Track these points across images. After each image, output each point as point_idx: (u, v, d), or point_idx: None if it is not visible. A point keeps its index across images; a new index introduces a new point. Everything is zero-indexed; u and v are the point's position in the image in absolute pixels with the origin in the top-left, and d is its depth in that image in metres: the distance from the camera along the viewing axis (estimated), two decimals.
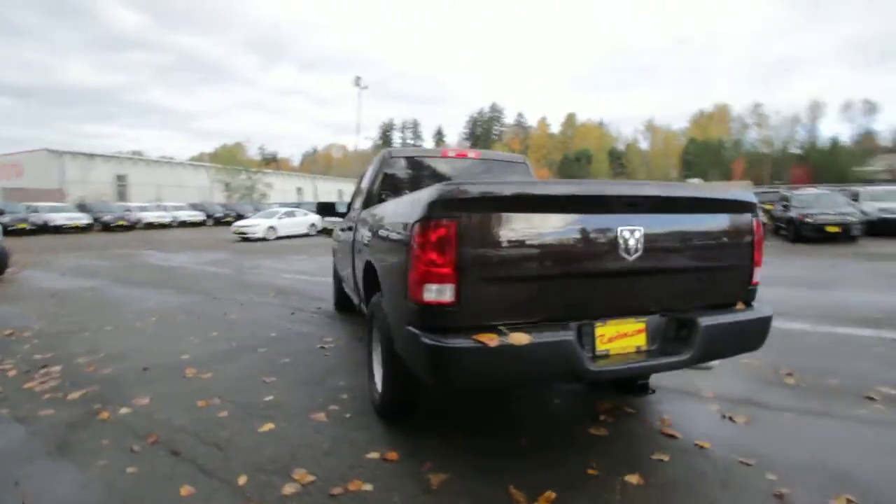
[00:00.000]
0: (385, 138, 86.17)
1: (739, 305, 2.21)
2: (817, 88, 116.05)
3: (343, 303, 5.58)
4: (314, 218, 21.18)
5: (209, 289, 7.37)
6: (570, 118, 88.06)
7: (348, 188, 53.93)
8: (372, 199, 3.62)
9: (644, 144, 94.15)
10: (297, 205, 26.13)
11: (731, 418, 2.56)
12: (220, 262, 11.38)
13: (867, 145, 76.31)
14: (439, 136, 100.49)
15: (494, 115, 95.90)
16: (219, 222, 28.07)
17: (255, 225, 18.27)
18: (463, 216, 1.72)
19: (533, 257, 1.81)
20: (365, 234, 2.94)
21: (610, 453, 2.24)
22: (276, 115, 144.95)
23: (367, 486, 1.99)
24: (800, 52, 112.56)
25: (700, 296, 2.11)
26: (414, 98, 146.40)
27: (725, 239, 2.14)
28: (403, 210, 2.03)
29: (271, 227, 18.61)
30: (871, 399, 2.79)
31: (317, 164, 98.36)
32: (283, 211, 20.36)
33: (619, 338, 1.96)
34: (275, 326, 4.88)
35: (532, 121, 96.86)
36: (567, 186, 1.90)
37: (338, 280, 5.47)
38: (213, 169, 38.57)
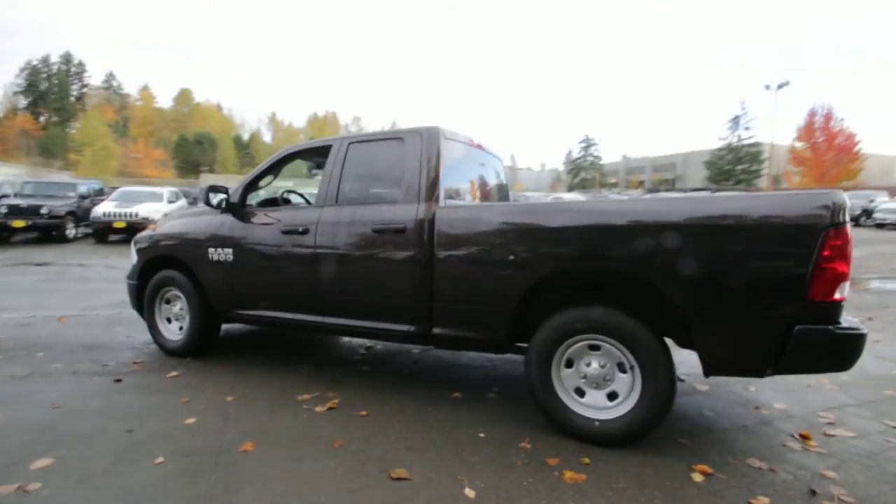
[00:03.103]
0: None
1: None
2: (397, 111, 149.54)
3: (206, 341, 3.67)
4: None
5: None
6: (185, 94, 77.52)
7: None
8: (434, 189, 2.78)
9: (267, 137, 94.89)
10: None
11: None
12: None
13: None
14: None
15: (71, 68, 71.92)
16: None
17: None
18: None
19: None
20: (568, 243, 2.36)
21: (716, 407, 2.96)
22: None
23: None
24: (390, 79, 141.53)
25: None
26: None
27: None
28: (779, 211, 1.98)
29: None
30: None
31: None
32: None
33: None
34: (153, 411, 2.74)
35: (131, 88, 79.09)
36: None
37: (200, 310, 3.52)
38: None
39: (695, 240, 2.11)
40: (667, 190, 48.62)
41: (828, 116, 36.88)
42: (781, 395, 3.01)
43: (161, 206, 12.32)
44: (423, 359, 3.74)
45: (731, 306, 2.07)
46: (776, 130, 42.42)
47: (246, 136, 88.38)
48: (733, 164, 49.77)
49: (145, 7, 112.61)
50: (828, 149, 36.68)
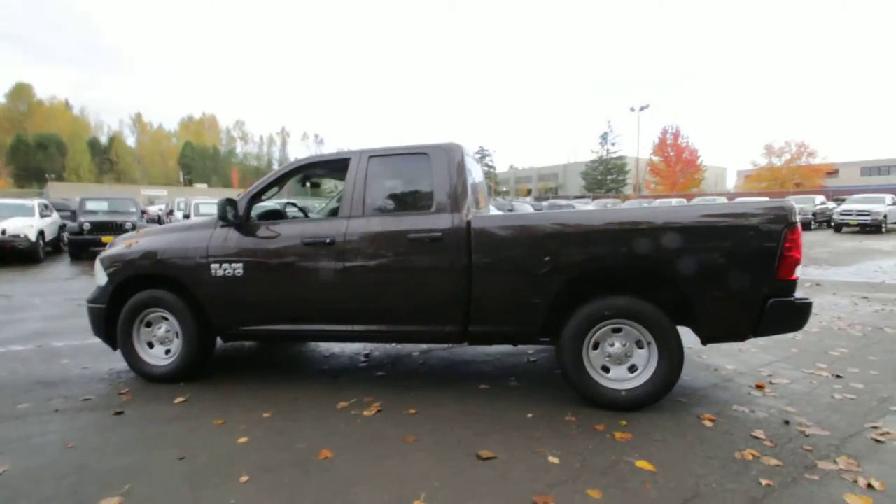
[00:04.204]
0: None
1: None
2: (286, 117, 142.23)
3: (200, 363, 3.46)
4: None
5: None
6: (23, 90, 65.28)
7: None
8: (464, 199, 3.06)
9: (131, 140, 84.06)
10: None
11: None
12: None
13: None
14: None
15: None
16: None
17: None
18: None
19: None
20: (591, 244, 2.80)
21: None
22: None
23: None
24: (275, 86, 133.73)
25: None
26: None
27: None
28: (751, 218, 2.63)
29: None
30: None
31: None
32: None
33: None
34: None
35: None
36: None
37: (197, 330, 3.33)
38: None
39: (699, 237, 2.70)
40: (553, 198, 53.32)
41: (676, 134, 43.91)
42: (727, 360, 3.81)
43: (33, 221, 10.49)
44: (429, 360, 3.94)
45: (727, 288, 2.69)
46: (640, 146, 49.41)
47: (104, 139, 77.36)
48: (604, 175, 56.47)
49: None
50: (677, 161, 43.62)
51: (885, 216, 17.29)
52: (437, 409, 2.90)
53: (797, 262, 2.66)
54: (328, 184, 4.51)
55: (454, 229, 2.98)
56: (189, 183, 69.72)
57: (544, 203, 23.46)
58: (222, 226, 3.34)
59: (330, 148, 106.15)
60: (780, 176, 41.84)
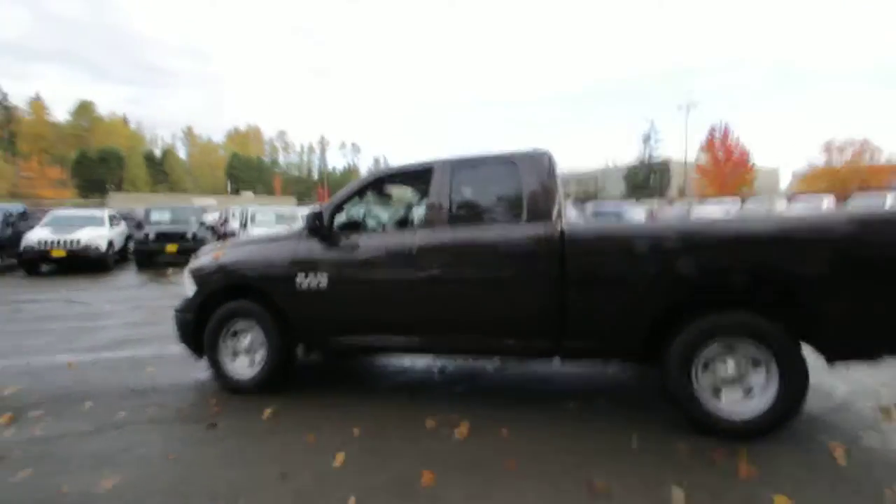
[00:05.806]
0: None
1: None
2: (325, 126, 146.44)
3: (285, 374, 3.47)
4: None
5: None
6: (86, 107, 70.09)
7: None
8: (556, 208, 2.93)
9: (182, 153, 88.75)
10: None
11: None
12: None
13: (354, 175, 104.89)
14: None
15: None
16: None
17: None
18: None
19: None
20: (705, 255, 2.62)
21: None
22: None
23: None
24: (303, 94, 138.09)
25: None
26: None
27: None
28: (885, 227, 2.39)
29: None
30: None
31: None
32: None
33: None
34: None
35: (18, 100, 69.91)
36: None
37: (282, 341, 3.34)
38: None
39: (833, 247, 2.45)
40: (594, 200, 52.08)
41: (725, 133, 41.97)
42: (835, 379, 3.44)
43: (104, 231, 11.11)
44: (506, 375, 3.81)
45: (864, 301, 2.43)
46: (687, 146, 47.54)
47: (158, 152, 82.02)
48: (647, 177, 54.63)
49: (35, 11, 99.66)
50: (727, 162, 41.66)
51: None
52: (529, 431, 2.76)
53: None
54: (396, 193, 4.50)
55: (547, 239, 2.85)
56: (236, 192, 72.66)
57: (588, 205, 22.86)
58: (308, 237, 3.35)
59: (365, 156, 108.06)
60: (840, 176, 39.17)
